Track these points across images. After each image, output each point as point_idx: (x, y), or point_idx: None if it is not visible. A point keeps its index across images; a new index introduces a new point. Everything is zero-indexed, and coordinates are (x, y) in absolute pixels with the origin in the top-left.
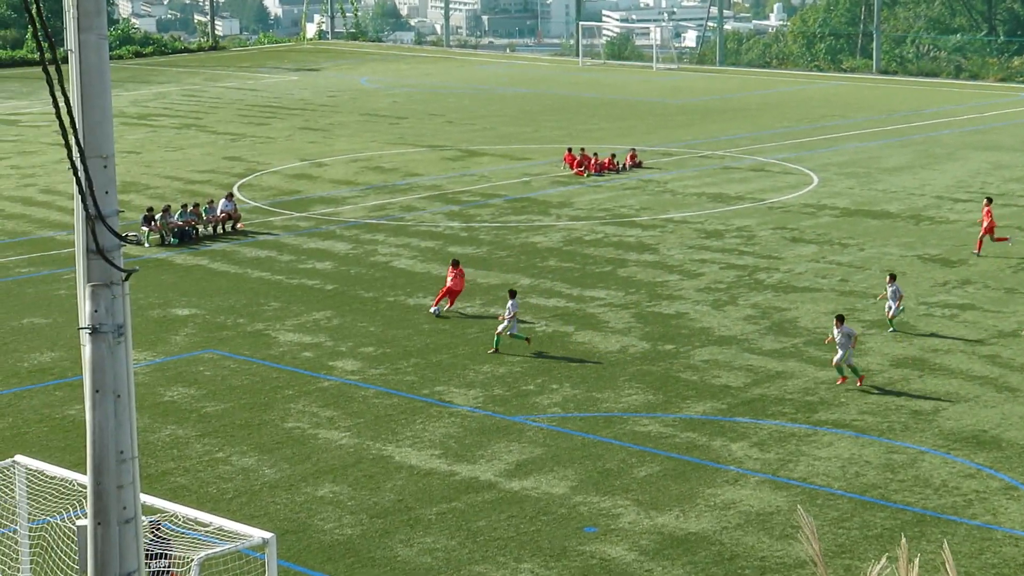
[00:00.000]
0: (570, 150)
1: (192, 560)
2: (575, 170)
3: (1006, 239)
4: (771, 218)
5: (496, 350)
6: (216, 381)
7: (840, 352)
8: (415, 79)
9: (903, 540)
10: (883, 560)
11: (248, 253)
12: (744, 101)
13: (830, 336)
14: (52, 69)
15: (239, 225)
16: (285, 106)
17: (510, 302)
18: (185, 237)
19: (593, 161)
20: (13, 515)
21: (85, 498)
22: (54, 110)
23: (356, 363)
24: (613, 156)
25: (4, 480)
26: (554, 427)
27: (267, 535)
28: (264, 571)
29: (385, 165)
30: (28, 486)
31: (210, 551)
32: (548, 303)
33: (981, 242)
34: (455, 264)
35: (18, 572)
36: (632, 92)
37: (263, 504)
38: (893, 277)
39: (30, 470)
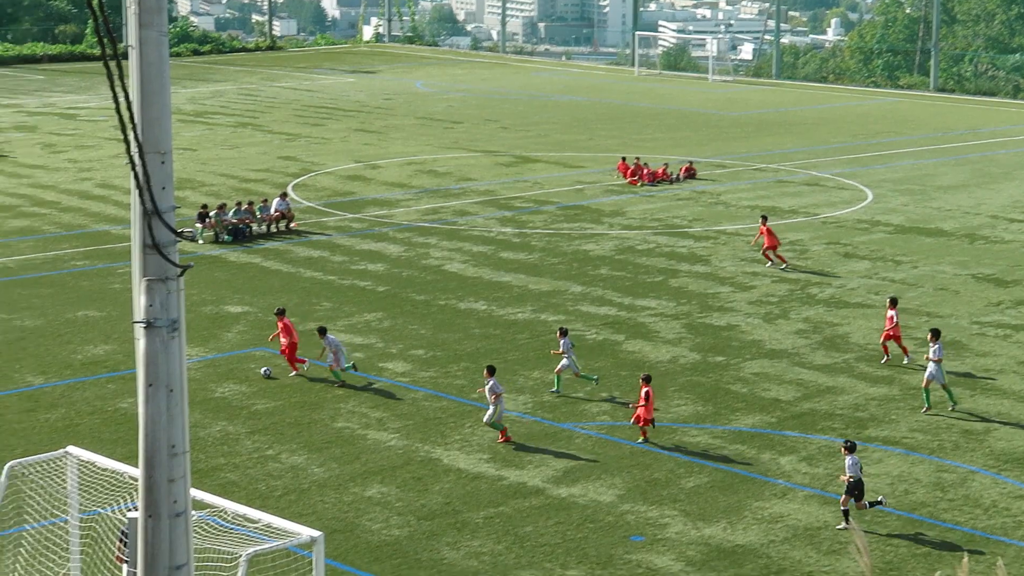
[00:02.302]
0: (624, 159)
1: (240, 556)
2: (628, 179)
3: None
4: (824, 233)
5: (558, 391)
6: (267, 379)
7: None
8: (470, 84)
9: (965, 558)
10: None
11: (301, 252)
12: (800, 115)
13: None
14: (112, 65)
15: (292, 224)
16: (341, 107)
17: (562, 340)
18: (239, 235)
19: (646, 171)
20: (64, 505)
21: (136, 491)
22: (113, 105)
23: (406, 365)
24: (666, 166)
25: (56, 471)
26: (603, 435)
27: (315, 533)
28: (311, 569)
29: (439, 169)
30: (79, 477)
31: (258, 547)
32: (599, 311)
33: None
34: (280, 314)
35: (68, 562)
36: (687, 103)
37: (311, 502)
38: (936, 334)
39: (82, 461)
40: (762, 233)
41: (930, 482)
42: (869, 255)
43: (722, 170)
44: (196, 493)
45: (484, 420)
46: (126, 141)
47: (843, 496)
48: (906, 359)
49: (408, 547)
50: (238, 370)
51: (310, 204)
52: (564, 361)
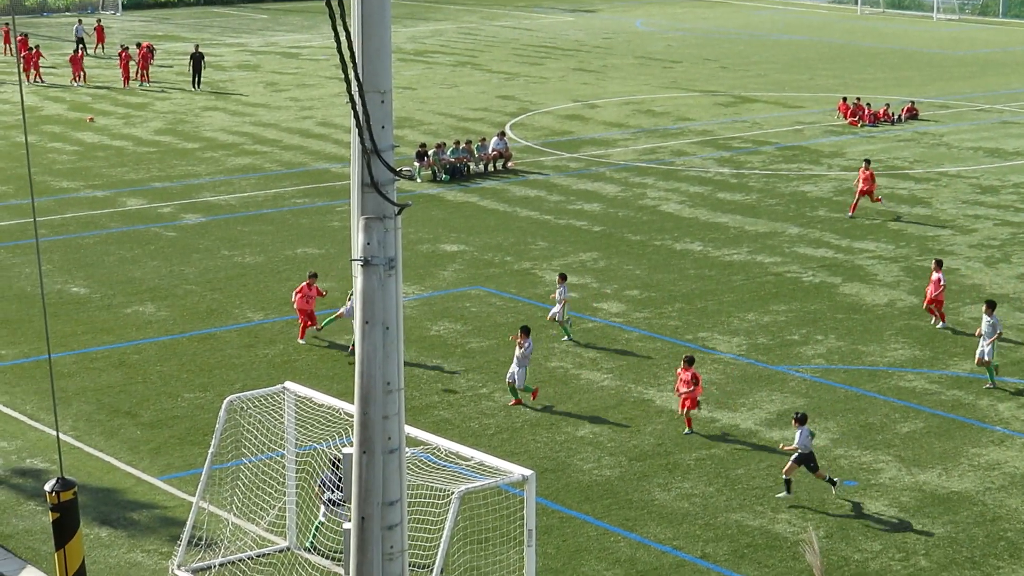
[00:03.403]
0: (844, 99)
1: (453, 493)
2: (849, 120)
3: (880, 200)
4: None
5: (569, 338)
6: (482, 318)
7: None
8: (690, 23)
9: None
10: None
11: (517, 192)
12: None
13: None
14: (335, 3)
15: (510, 164)
16: (559, 47)
17: (561, 286)
18: (456, 174)
19: (867, 111)
20: (281, 440)
21: (351, 427)
22: (335, 44)
23: (621, 306)
24: (887, 106)
25: (274, 405)
26: (817, 378)
27: (527, 472)
28: (523, 508)
29: (657, 109)
30: (296, 412)
31: (470, 485)
32: (816, 253)
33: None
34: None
35: (284, 495)
36: (911, 42)
37: (523, 441)
38: (992, 305)
39: (299, 397)
40: (862, 180)
41: None
42: None
43: (945, 111)
44: (410, 430)
45: (515, 385)
46: (347, 80)
47: (788, 464)
48: (940, 324)
49: (619, 487)
50: (453, 308)
51: (527, 143)
52: (556, 308)
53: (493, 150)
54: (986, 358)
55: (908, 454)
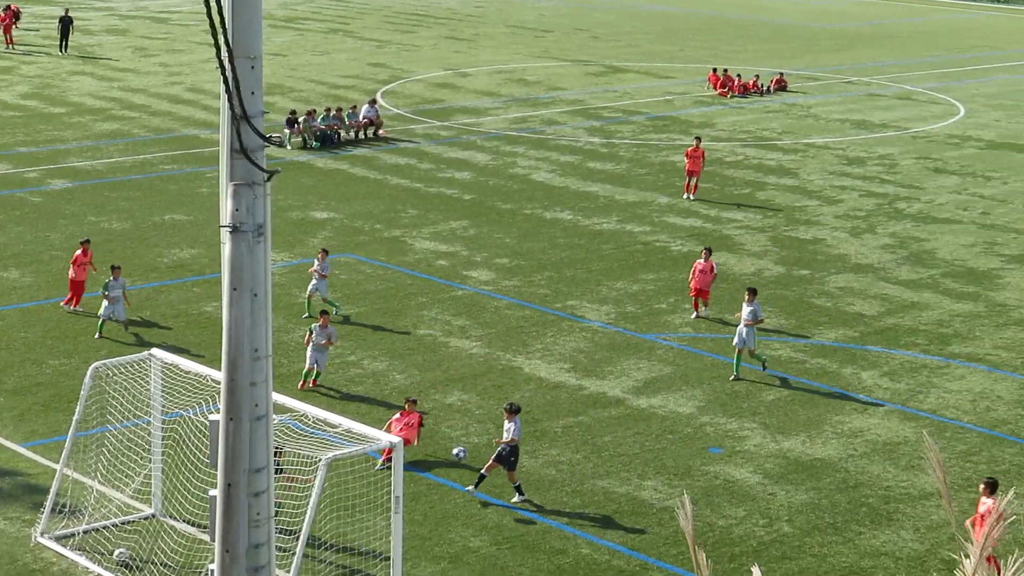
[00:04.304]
0: (715, 70)
1: (320, 460)
2: (718, 91)
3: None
4: (914, 147)
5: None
6: (351, 285)
7: (744, 335)
8: None
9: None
10: (1010, 494)
11: (388, 160)
12: (894, 28)
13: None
14: None
15: (381, 131)
16: (432, 15)
17: (324, 261)
18: (327, 141)
19: (737, 82)
20: (147, 407)
21: (218, 393)
22: (204, 9)
23: (490, 273)
24: (757, 78)
25: (140, 372)
26: (685, 346)
27: (395, 439)
28: (390, 474)
29: (528, 78)
30: (163, 379)
31: (338, 452)
32: (685, 223)
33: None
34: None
35: (149, 462)
36: (781, 15)
37: (392, 409)
38: (753, 292)
39: (165, 363)
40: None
41: (1012, 399)
42: (959, 170)
43: (813, 83)
44: (278, 397)
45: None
46: (216, 45)
47: (489, 463)
48: (695, 314)
49: (486, 455)
50: None
51: (398, 111)
52: (314, 282)
53: (364, 118)
54: (751, 347)
55: (773, 421)
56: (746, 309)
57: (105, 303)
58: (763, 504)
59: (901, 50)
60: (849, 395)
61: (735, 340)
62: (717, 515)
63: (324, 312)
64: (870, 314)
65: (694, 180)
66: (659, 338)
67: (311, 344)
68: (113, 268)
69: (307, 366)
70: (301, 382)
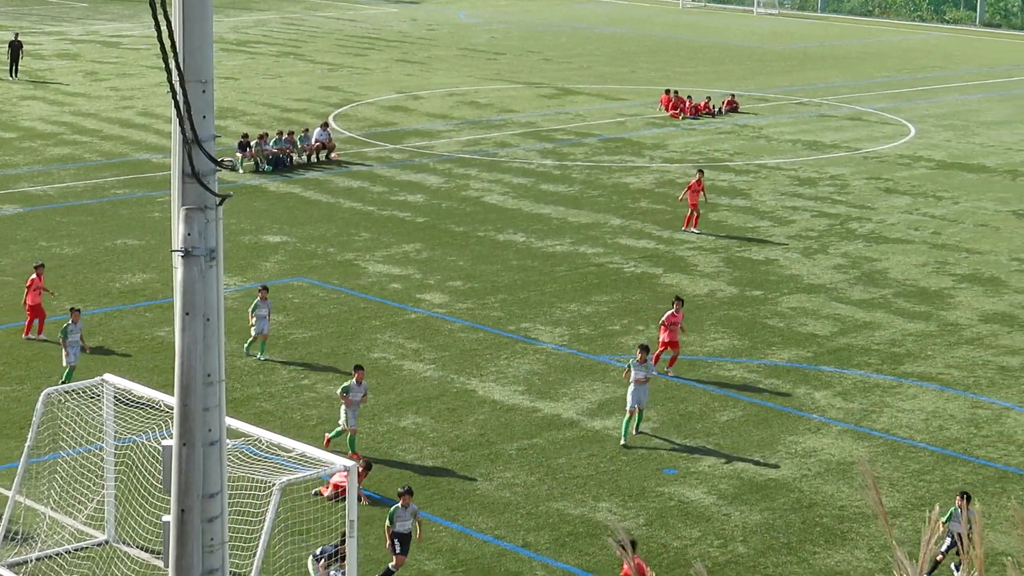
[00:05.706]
0: (666, 92)
1: (274, 485)
2: (670, 112)
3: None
4: (866, 168)
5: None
6: (304, 309)
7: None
8: (514, 15)
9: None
10: (936, 507)
11: (341, 183)
12: (844, 49)
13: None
14: None
15: (333, 155)
16: (383, 38)
17: (265, 302)
18: (279, 165)
19: (688, 104)
20: (100, 432)
21: (171, 419)
22: (156, 33)
23: (444, 296)
24: (708, 99)
25: (92, 398)
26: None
27: (348, 463)
28: (344, 498)
29: (481, 100)
30: (115, 405)
31: (292, 476)
32: (638, 244)
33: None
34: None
35: (103, 488)
36: (731, 36)
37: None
38: (645, 349)
39: (118, 389)
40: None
41: (964, 418)
42: (910, 190)
43: (764, 104)
44: (231, 422)
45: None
46: (167, 69)
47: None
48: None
49: (441, 477)
50: (275, 300)
51: (351, 134)
52: (256, 321)
53: (316, 141)
54: (640, 406)
55: (727, 442)
56: (641, 365)
57: (65, 353)
58: (718, 525)
59: (851, 71)
60: (803, 415)
61: (629, 403)
62: (672, 536)
63: (359, 367)
64: (823, 334)
65: (695, 213)
66: (613, 360)
67: (348, 403)
68: (72, 311)
69: (341, 426)
70: (327, 439)
